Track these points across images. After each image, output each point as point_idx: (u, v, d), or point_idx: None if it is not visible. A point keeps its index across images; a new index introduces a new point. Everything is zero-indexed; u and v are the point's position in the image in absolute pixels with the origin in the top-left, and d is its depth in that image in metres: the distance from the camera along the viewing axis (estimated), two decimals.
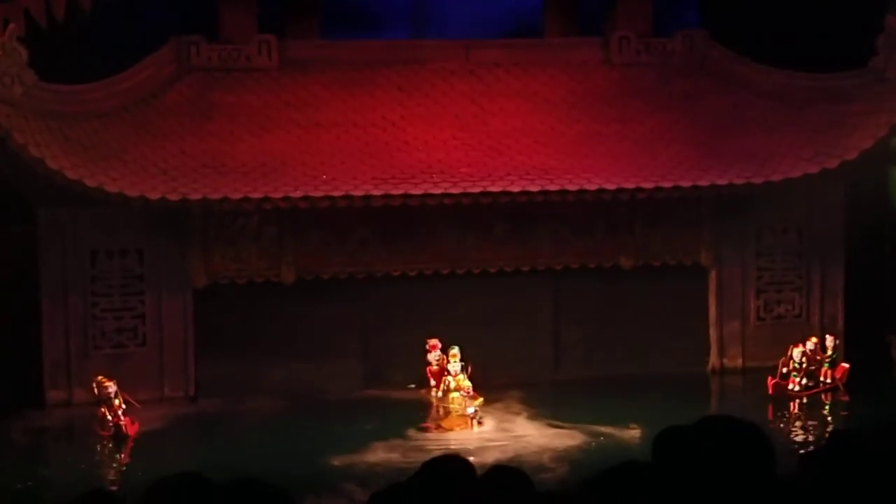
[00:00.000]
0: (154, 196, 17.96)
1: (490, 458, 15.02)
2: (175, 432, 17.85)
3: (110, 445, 17.05)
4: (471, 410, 17.42)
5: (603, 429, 16.86)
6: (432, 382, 19.25)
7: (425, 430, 17.50)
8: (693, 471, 4.31)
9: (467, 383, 18.48)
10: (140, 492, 4.93)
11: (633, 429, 16.57)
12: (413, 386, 19.63)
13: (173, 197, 18.03)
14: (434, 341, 19.26)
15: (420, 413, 18.46)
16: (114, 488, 14.28)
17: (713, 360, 21.06)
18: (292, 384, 19.56)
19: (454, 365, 18.77)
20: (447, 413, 18.19)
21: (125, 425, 17.21)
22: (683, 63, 21.51)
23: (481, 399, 18.25)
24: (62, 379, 19.08)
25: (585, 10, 22.59)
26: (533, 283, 20.41)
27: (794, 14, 22.80)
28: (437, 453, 5.38)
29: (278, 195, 18.35)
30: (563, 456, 15.94)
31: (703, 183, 19.29)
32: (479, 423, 17.57)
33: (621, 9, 21.75)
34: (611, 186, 19.04)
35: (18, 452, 16.63)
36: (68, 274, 19.01)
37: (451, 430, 17.37)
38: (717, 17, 22.87)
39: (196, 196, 18.14)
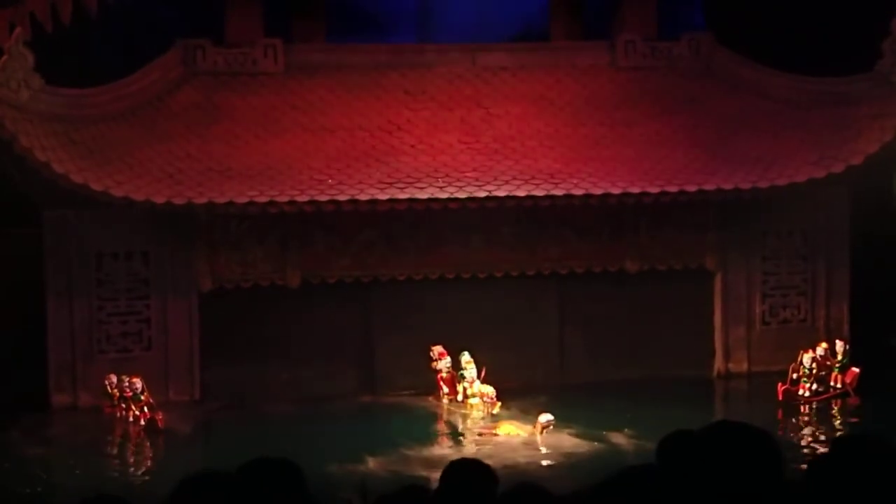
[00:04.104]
0: (160, 200, 17.98)
1: (493, 461, 14.99)
2: (179, 436, 17.86)
3: (142, 440, 17.56)
4: (544, 419, 16.99)
5: (607, 433, 16.83)
6: (445, 390, 19.26)
7: (479, 434, 17.46)
8: (700, 476, 4.30)
9: (489, 389, 18.54)
10: (143, 494, 4.96)
11: (636, 434, 16.52)
12: (411, 391, 19.61)
13: (179, 200, 18.04)
14: (440, 349, 19.26)
15: (426, 419, 18.49)
16: (119, 491, 14.29)
17: (718, 364, 21.05)
18: (297, 388, 19.57)
19: (470, 371, 18.85)
20: (465, 419, 18.29)
21: (159, 420, 17.69)
22: (689, 66, 21.52)
23: (500, 404, 18.32)
24: (67, 382, 19.11)
25: (591, 13, 22.58)
26: (538, 287, 20.40)
27: (800, 17, 22.78)
28: (439, 459, 5.39)
29: (284, 199, 18.36)
30: (567, 460, 15.92)
31: (709, 187, 19.28)
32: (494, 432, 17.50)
33: (627, 12, 21.75)
34: (616, 190, 19.03)
35: (24, 457, 16.63)
36: (74, 277, 19.03)
37: (499, 434, 17.27)
38: (722, 21, 22.85)
39: (201, 200, 18.15)
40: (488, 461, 5.51)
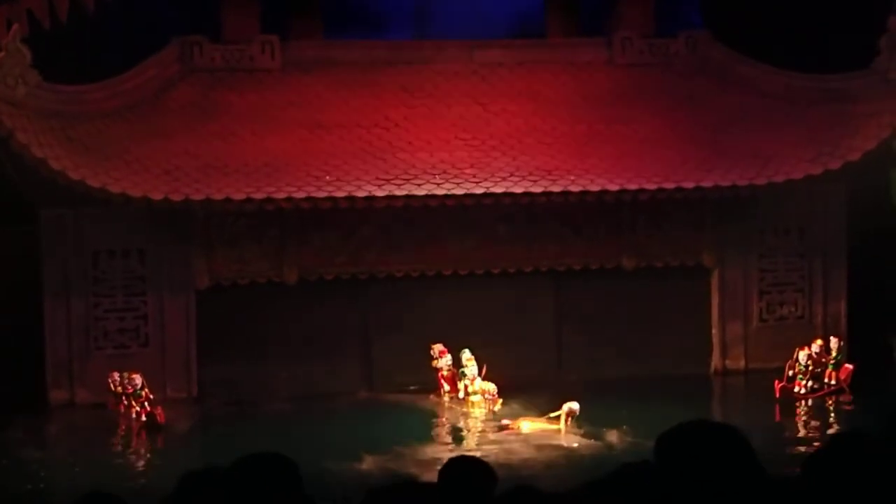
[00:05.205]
0: (157, 196, 17.97)
1: (491, 459, 14.99)
2: (177, 433, 17.86)
3: (141, 437, 17.56)
4: (566, 407, 17.11)
5: (604, 430, 16.83)
6: (446, 388, 19.26)
7: (504, 428, 17.38)
8: (695, 472, 4.30)
9: (491, 386, 18.56)
10: (141, 492, 4.99)
11: (633, 432, 16.50)
12: (409, 388, 19.62)
13: (176, 197, 18.04)
14: (441, 347, 19.26)
15: (425, 417, 18.49)
16: (117, 489, 14.25)
17: (715, 361, 21.05)
18: (294, 385, 19.55)
19: (471, 368, 18.87)
20: (466, 417, 18.32)
21: (158, 415, 17.68)
22: (686, 64, 21.51)
23: (501, 401, 18.34)
24: (64, 379, 19.11)
25: (588, 10, 22.58)
26: (535, 284, 20.41)
27: (797, 14, 22.78)
28: (435, 458, 5.39)
29: (281, 196, 18.35)
30: (564, 458, 15.93)
31: (706, 184, 19.29)
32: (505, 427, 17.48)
33: (624, 9, 21.75)
34: (613, 187, 19.04)
35: (22, 454, 16.61)
36: (71, 274, 19.02)
37: (521, 430, 17.22)
38: (719, 18, 22.85)
39: (199, 196, 18.15)
40: (487, 458, 5.51)
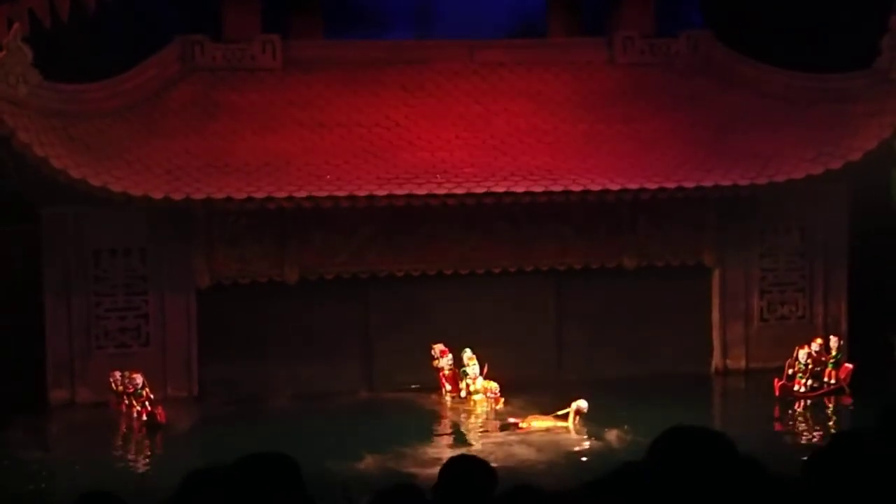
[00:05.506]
0: (158, 195, 17.97)
1: (492, 458, 15.00)
2: (176, 432, 17.85)
3: (142, 436, 17.54)
4: (575, 405, 17.12)
5: (605, 430, 16.82)
6: (448, 387, 19.26)
7: (512, 426, 17.31)
8: (686, 476, 4.30)
9: (493, 385, 18.58)
10: (142, 491, 4.99)
11: (634, 431, 16.49)
12: (410, 388, 19.63)
13: (177, 196, 18.04)
14: (442, 346, 19.26)
15: (426, 416, 18.48)
16: (117, 489, 14.22)
17: (716, 361, 21.05)
18: (295, 385, 19.55)
19: (473, 368, 18.88)
20: (468, 416, 18.32)
21: (158, 414, 17.66)
22: (687, 63, 21.51)
23: (503, 400, 18.33)
24: (65, 379, 19.12)
25: (589, 10, 22.59)
26: (536, 283, 20.41)
27: (797, 14, 22.79)
28: (436, 458, 5.38)
29: (282, 195, 18.36)
30: (564, 457, 15.92)
31: (707, 183, 19.29)
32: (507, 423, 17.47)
33: (625, 9, 21.75)
34: (614, 187, 19.04)
35: (23, 454, 16.61)
36: (72, 274, 19.03)
37: (531, 429, 17.17)
38: (720, 18, 22.87)
39: (200, 195, 18.15)
40: (487, 458, 5.50)
